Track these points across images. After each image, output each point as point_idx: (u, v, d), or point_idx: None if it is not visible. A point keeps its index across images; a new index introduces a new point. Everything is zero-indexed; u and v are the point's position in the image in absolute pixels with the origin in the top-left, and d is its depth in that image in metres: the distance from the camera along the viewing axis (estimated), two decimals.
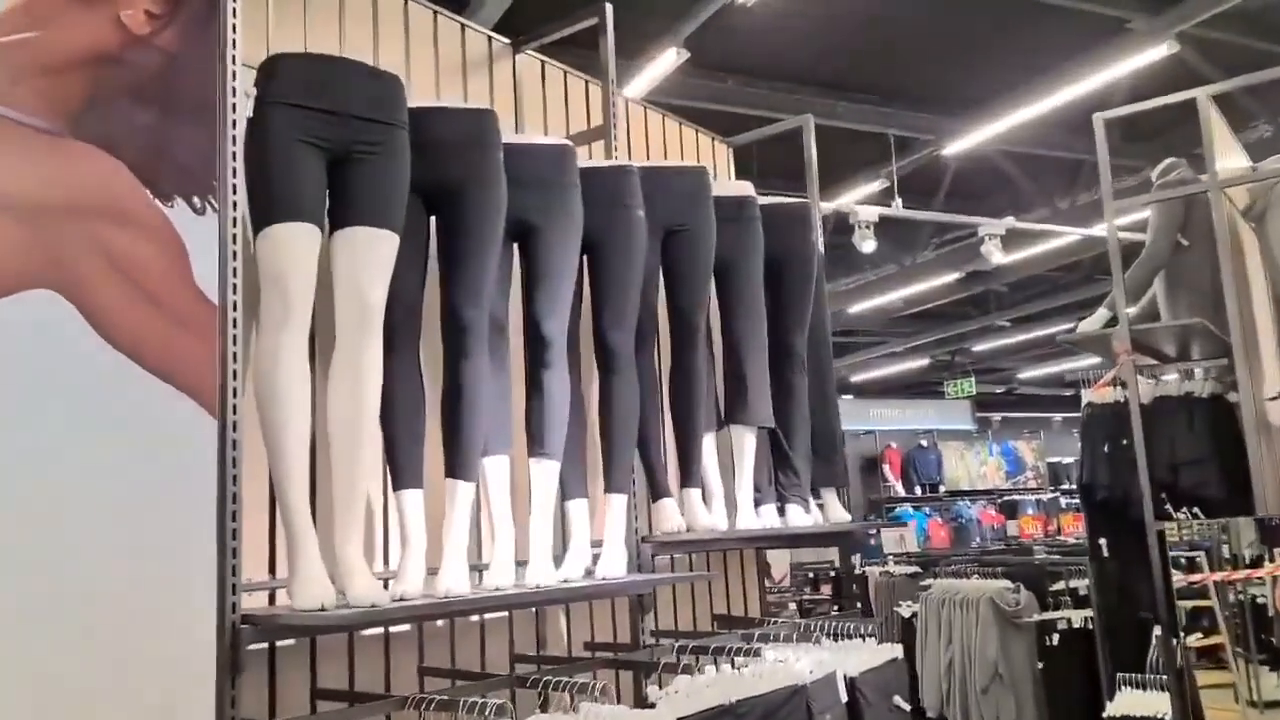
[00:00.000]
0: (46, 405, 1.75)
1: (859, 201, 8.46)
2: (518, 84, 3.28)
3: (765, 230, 3.38)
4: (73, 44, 1.91)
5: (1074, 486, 12.92)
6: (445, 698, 1.99)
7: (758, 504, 3.31)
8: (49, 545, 1.71)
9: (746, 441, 3.23)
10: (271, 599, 2.25)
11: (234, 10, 2.04)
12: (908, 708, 3.11)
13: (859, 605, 5.19)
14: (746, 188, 3.45)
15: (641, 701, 2.63)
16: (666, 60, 5.97)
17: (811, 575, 9.66)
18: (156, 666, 1.77)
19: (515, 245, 2.60)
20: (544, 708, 2.35)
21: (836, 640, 3.20)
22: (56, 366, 1.78)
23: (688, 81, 6.50)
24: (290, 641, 2.27)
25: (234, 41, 2.02)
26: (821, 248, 3.92)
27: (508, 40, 3.27)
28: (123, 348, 1.84)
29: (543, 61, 3.40)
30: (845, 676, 2.86)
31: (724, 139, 4.28)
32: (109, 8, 1.94)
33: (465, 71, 3.11)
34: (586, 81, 3.52)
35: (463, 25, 3.13)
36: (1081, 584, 4.78)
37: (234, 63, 2.02)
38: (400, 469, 2.24)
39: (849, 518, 3.64)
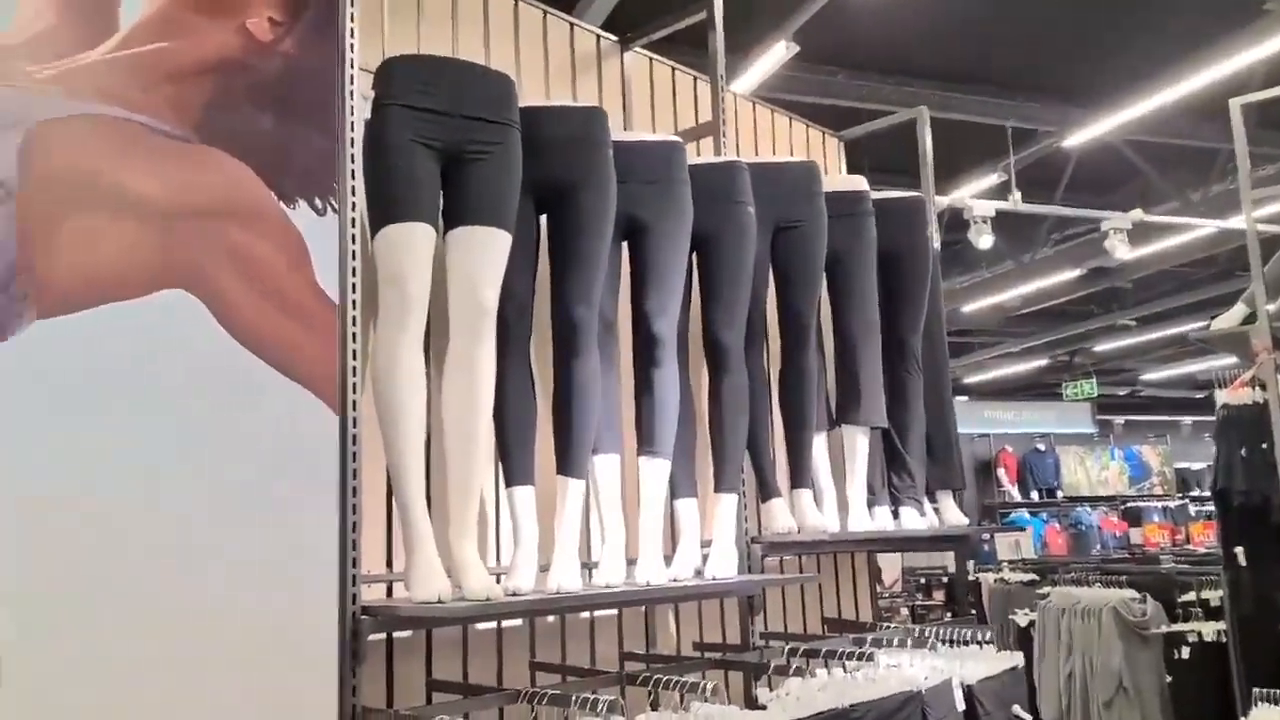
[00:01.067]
0: (179, 399, 1.83)
1: (975, 196, 8.24)
2: (626, 82, 3.29)
3: (879, 226, 3.32)
4: (200, 52, 1.98)
5: (1206, 493, 12.35)
6: (558, 693, 2.01)
7: (871, 506, 3.25)
8: (179, 536, 1.79)
9: (859, 442, 3.18)
10: (389, 592, 2.30)
11: (351, 15, 2.10)
12: (1029, 718, 3.02)
13: (973, 612, 5.06)
14: (859, 182, 3.40)
15: (751, 703, 2.61)
16: (775, 54, 5.91)
17: (923, 580, 9.46)
18: (280, 656, 1.83)
19: (625, 243, 2.61)
20: (654, 706, 2.35)
21: (952, 646, 3.12)
22: (188, 362, 1.85)
23: (797, 76, 6.43)
24: (407, 634, 2.33)
25: (352, 46, 2.08)
26: (937, 244, 3.83)
27: (616, 38, 3.29)
28: (249, 344, 1.91)
29: (650, 59, 3.40)
30: (962, 684, 2.79)
31: (835, 133, 4.22)
32: (234, 17, 2.01)
33: (574, 70, 3.13)
34: (695, 78, 3.52)
35: (571, 25, 3.16)
36: (1214, 595, 4.56)
37: (352, 66, 2.07)
38: (512, 466, 2.27)
39: (966, 521, 3.55)
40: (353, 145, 2.05)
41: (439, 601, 1.91)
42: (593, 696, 1.93)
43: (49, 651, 1.67)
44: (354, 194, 2.04)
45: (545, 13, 3.06)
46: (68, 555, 1.73)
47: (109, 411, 1.80)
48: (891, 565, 9.07)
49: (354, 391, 1.97)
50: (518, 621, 2.59)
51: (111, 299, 1.84)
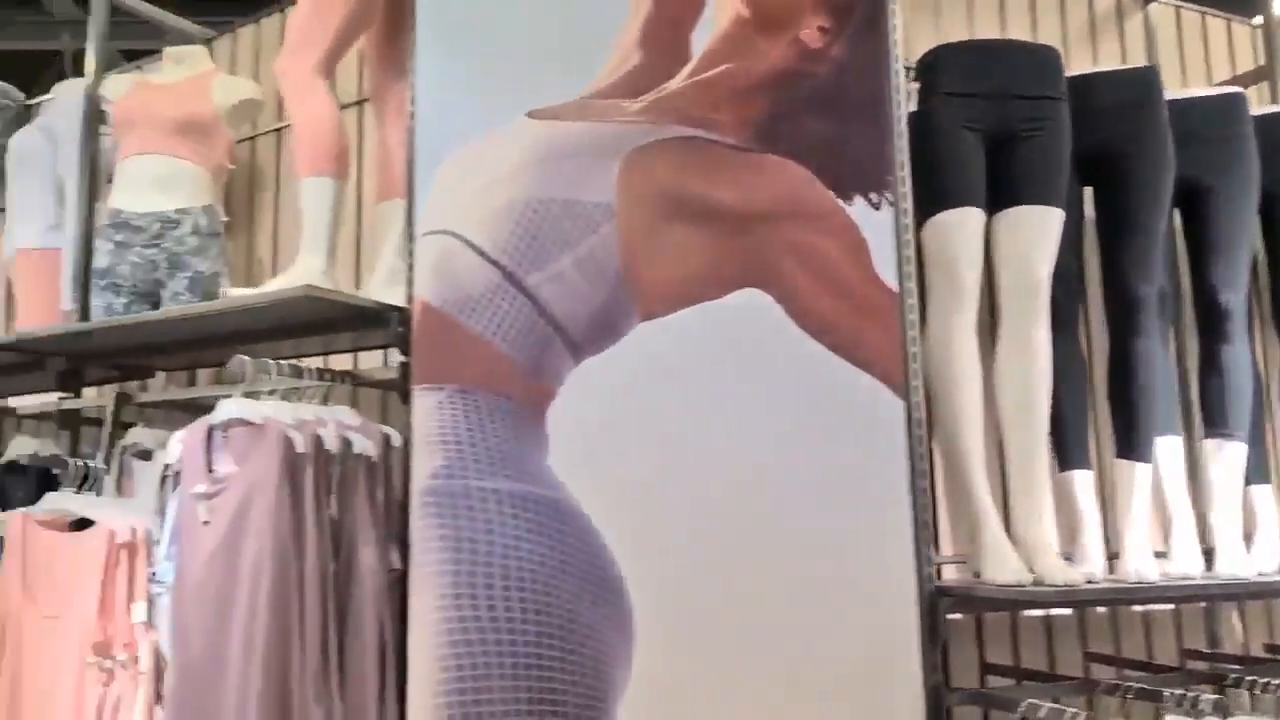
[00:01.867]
0: (763, 389, 2.00)
1: None
2: (1150, 36, 3.04)
3: None
4: (760, 68, 2.14)
5: None
6: (1146, 687, 1.91)
7: None
8: (765, 522, 1.95)
9: None
10: (937, 574, 2.33)
11: (893, 11, 2.15)
12: None
13: None
14: None
15: None
16: None
17: None
18: (859, 634, 1.93)
19: (1176, 210, 2.42)
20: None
21: None
22: (768, 355, 2.02)
23: None
24: (957, 616, 2.35)
25: (895, 42, 2.13)
26: None
27: None
28: (819, 336, 2.03)
29: (1178, 7, 3.12)
30: None
31: None
32: (789, 30, 2.15)
33: (1094, 32, 2.96)
34: (1229, 21, 3.17)
35: None
36: None
37: (897, 62, 2.13)
38: (1069, 449, 2.20)
39: None
40: (902, 139, 2.10)
41: (1019, 585, 1.90)
42: (1189, 694, 1.82)
43: (677, 613, 1.91)
44: (904, 185, 2.09)
45: None
46: (671, 539, 1.97)
47: (704, 401, 2.01)
48: None
49: (914, 377, 2.02)
50: (1067, 611, 2.50)
51: (698, 300, 2.05)
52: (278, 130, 2.99)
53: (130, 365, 2.91)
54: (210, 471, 2.00)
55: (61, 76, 4.98)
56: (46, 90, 3.43)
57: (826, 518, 1.95)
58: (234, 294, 2.16)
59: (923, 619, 1.91)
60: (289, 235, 2.92)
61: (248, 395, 2.21)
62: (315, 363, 2.27)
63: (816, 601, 1.93)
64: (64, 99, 3.10)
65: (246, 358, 1.99)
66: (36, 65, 5.50)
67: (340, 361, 2.66)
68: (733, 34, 2.14)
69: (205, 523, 1.96)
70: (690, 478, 2.00)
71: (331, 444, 1.99)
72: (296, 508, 1.91)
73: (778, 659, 1.91)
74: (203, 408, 2.78)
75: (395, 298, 2.29)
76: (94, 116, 2.88)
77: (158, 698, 2.27)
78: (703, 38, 2.15)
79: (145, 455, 2.59)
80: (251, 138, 3.00)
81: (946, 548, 2.33)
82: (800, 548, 1.94)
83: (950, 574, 2.24)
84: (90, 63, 2.92)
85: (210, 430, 2.03)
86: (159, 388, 3.00)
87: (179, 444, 2.10)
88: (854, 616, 1.93)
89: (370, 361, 2.64)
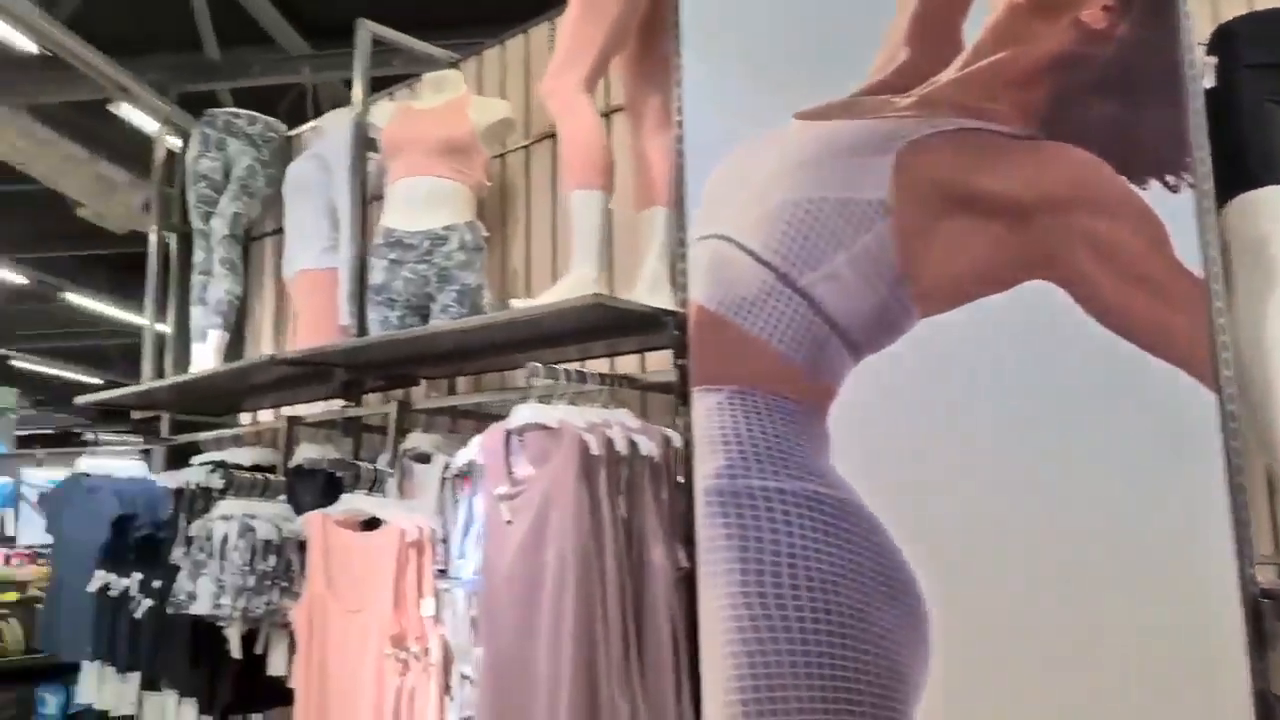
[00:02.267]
0: (1054, 384, 1.94)
1: None
2: None
3: None
4: (1038, 53, 2.08)
5: None
6: None
7: None
8: (1065, 524, 1.89)
9: None
10: None
11: None
12: None
13: None
14: None
15: None
16: None
17: None
18: (1178, 641, 1.84)
19: None
20: None
21: None
22: (1058, 349, 1.95)
23: None
24: None
25: (1187, 15, 2.03)
26: None
27: None
28: (1116, 328, 1.95)
29: None
30: None
31: None
32: (1068, 12, 2.08)
33: None
34: None
35: None
36: None
37: (1189, 36, 2.02)
38: None
39: None
40: (1199, 117, 1.99)
41: None
42: None
43: (979, 611, 1.87)
44: (1204, 166, 1.99)
45: None
46: (962, 542, 1.93)
47: (992, 398, 1.96)
48: None
49: (1225, 368, 1.91)
50: None
51: (982, 294, 2.01)
52: (526, 147, 3.12)
53: (399, 375, 3.09)
54: (510, 474, 2.10)
55: (298, 108, 5.36)
56: (287, 122, 3.71)
57: (1135, 519, 1.88)
58: (519, 304, 2.26)
59: (1248, 624, 1.81)
60: (540, 247, 3.04)
61: (525, 400, 2.32)
62: (577, 367, 2.35)
63: (1127, 607, 1.85)
64: (332, 128, 3.34)
65: (539, 364, 2.09)
66: (272, 98, 5.93)
67: (602, 365, 2.75)
68: (1007, 21, 2.09)
69: (508, 522, 2.06)
70: (980, 478, 1.96)
71: (621, 446, 2.06)
72: (594, 508, 1.98)
73: (1087, 667, 1.85)
74: (473, 414, 2.94)
75: (661, 302, 2.35)
76: (362, 143, 3.08)
77: (446, 688, 2.41)
78: (974, 29, 2.10)
79: (423, 459, 2.76)
80: (501, 155, 3.13)
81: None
82: (1107, 551, 1.87)
83: (1266, 575, 2.10)
84: (357, 93, 3.12)
85: (508, 435, 2.13)
86: (420, 395, 3.17)
87: (476, 448, 2.21)
88: (1171, 622, 1.84)
89: (630, 365, 2.71)
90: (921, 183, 2.07)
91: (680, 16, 2.33)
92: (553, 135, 3.04)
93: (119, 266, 10.34)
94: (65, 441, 18.30)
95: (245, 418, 3.94)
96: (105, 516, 3.15)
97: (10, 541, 11.94)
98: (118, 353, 14.26)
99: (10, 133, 6.34)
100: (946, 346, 2.01)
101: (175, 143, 4.14)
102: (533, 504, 2.02)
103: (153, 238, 3.90)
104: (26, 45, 4.43)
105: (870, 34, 2.18)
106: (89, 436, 3.55)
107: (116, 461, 3.37)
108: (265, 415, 3.89)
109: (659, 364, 2.62)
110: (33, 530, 12.98)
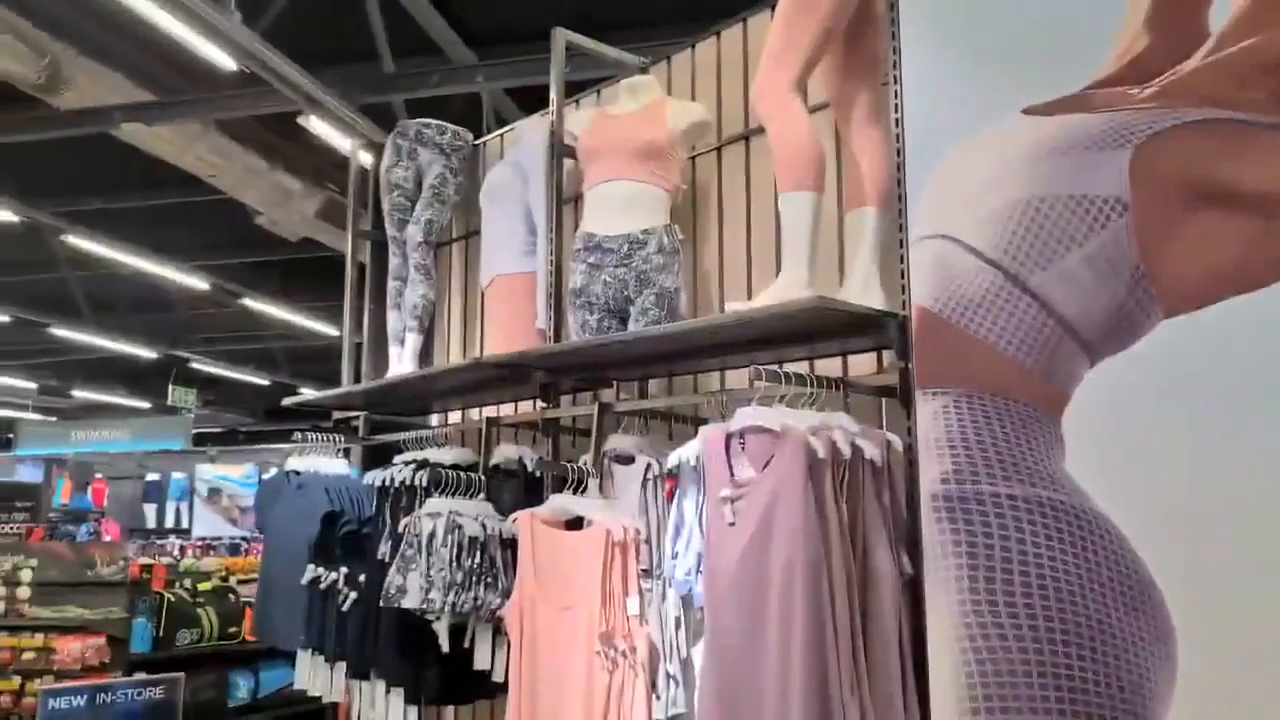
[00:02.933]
0: None
1: None
2: None
3: None
4: None
5: None
6: None
7: None
8: None
9: None
10: None
11: None
12: None
13: None
14: None
15: None
16: None
17: None
18: None
19: None
20: None
21: None
22: None
23: None
24: None
25: None
26: None
27: None
28: None
29: None
30: None
31: None
32: None
33: None
34: None
35: None
36: None
37: None
38: None
39: None
40: None
41: None
42: None
43: (1229, 633, 1.79)
44: None
45: None
46: (1211, 554, 1.85)
47: (1244, 404, 1.87)
48: None
49: None
50: None
51: (1231, 293, 1.92)
52: (717, 149, 3.14)
53: (594, 378, 3.16)
54: (732, 476, 2.12)
55: (467, 116, 5.52)
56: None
57: None
58: (736, 308, 2.28)
59: None
60: (733, 249, 3.05)
61: (731, 401, 2.33)
62: (794, 369, 2.35)
63: None
64: (527, 134, 3.43)
65: (763, 367, 2.10)
66: (440, 107, 6.13)
67: (800, 369, 2.74)
68: (1259, 5, 1.99)
69: (731, 524, 2.08)
70: (1229, 485, 1.87)
71: (844, 449, 2.05)
72: (821, 511, 1.98)
73: None
74: (665, 415, 2.98)
75: (873, 303, 2.33)
76: (559, 149, 3.16)
77: (652, 686, 2.44)
78: (1221, 17, 2.01)
79: (626, 459, 2.80)
80: (692, 157, 3.16)
81: None
82: None
83: None
84: (553, 100, 3.20)
85: (729, 437, 2.15)
86: (610, 397, 3.22)
87: (692, 450, 2.24)
88: None
89: (831, 369, 2.69)
90: (1163, 177, 1.99)
91: (898, 12, 2.31)
92: (744, 137, 3.05)
93: (288, 272, 10.90)
94: (232, 440, 19.41)
95: (434, 418, 4.09)
96: (316, 512, 3.32)
97: (185, 534, 12.72)
98: (284, 355, 15.03)
99: (200, 147, 6.77)
100: (1192, 349, 1.93)
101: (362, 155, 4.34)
102: (758, 506, 2.03)
103: (350, 246, 4.09)
104: (227, 63, 4.70)
105: (1097, 25, 2.12)
106: (295, 436, 3.75)
107: (324, 460, 3.54)
108: (454, 415, 4.02)
109: (860, 368, 2.60)
110: (204, 523, 13.77)
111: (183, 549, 9.12)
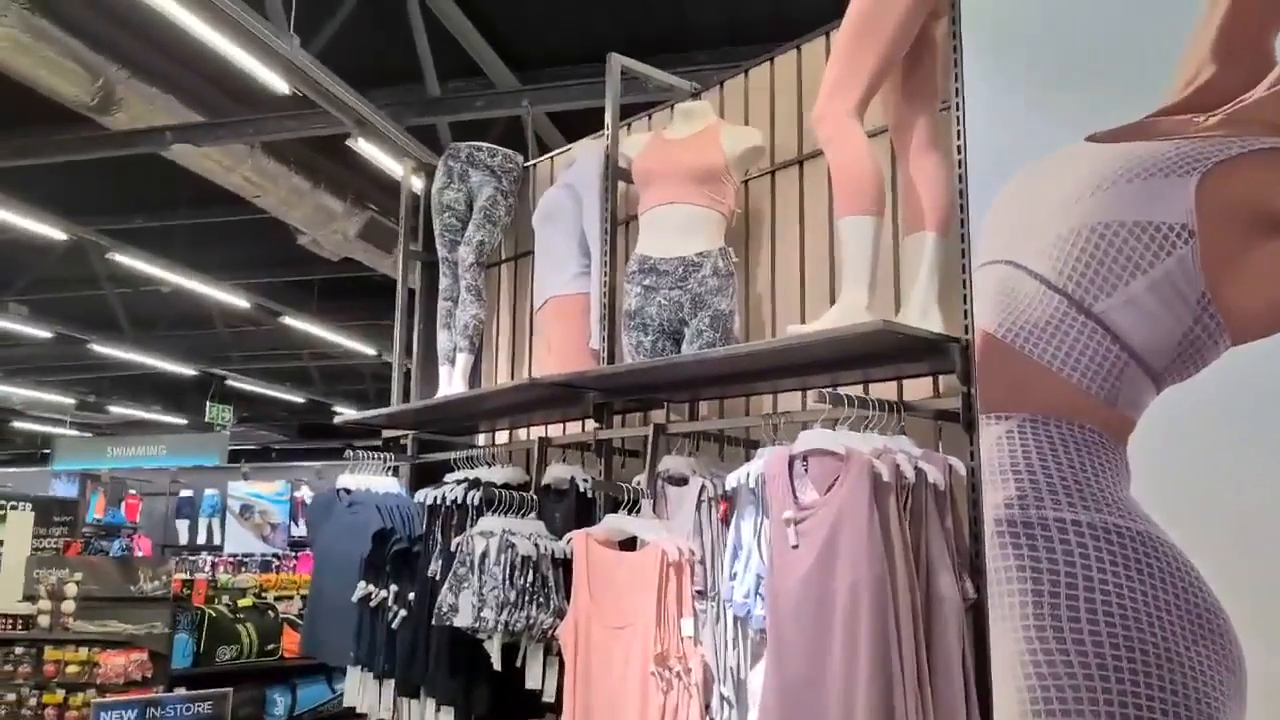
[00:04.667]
0: None
1: None
2: None
3: None
4: None
5: None
6: None
7: None
8: None
9: None
10: None
11: None
12: None
13: None
14: None
15: None
16: None
17: None
18: None
19: None
20: None
21: None
22: None
23: None
24: None
25: None
26: None
27: None
28: None
29: None
30: None
31: None
32: None
33: None
34: None
35: None
36: None
37: None
38: None
39: None
40: None
41: None
42: None
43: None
44: None
45: None
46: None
47: None
48: None
49: None
50: None
51: None
52: (771, 173, 3.17)
53: (644, 398, 3.19)
54: (795, 499, 2.14)
55: (508, 138, 5.60)
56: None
57: None
58: (796, 330, 2.30)
59: None
60: (785, 273, 3.08)
61: (783, 424, 2.35)
62: (858, 393, 2.37)
63: None
64: (582, 157, 3.48)
65: (827, 390, 2.12)
66: (483, 130, 6.22)
67: (854, 392, 2.76)
68: None
69: (794, 546, 2.10)
70: None
71: (908, 472, 2.06)
72: (885, 535, 1.99)
73: None
74: (721, 437, 3.00)
75: (933, 328, 2.35)
76: (615, 172, 3.20)
77: (705, 708, 2.45)
78: None
79: (679, 481, 2.83)
80: (745, 180, 3.19)
81: None
82: None
83: None
84: (608, 124, 3.25)
85: (792, 459, 2.17)
86: (660, 418, 3.25)
87: (752, 472, 2.26)
88: None
89: (884, 393, 2.71)
90: (1230, 205, 2.01)
91: (960, 39, 2.34)
92: (798, 161, 3.09)
93: (326, 292, 11.03)
94: (265, 457, 19.57)
95: (480, 437, 4.13)
96: (367, 530, 3.36)
97: (218, 550, 12.83)
98: (320, 373, 15.18)
99: (246, 167, 6.89)
100: (1261, 377, 1.94)
101: (398, 170, 4.40)
102: (822, 529, 2.04)
103: (400, 268, 4.15)
104: (280, 86, 4.79)
105: (1162, 52, 2.14)
106: (348, 454, 3.79)
107: (375, 478, 3.58)
108: (501, 435, 4.06)
109: (915, 392, 2.62)
110: (236, 540, 13.87)
111: (215, 565, 9.22)
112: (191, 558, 10.29)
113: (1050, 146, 2.20)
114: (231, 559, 9.81)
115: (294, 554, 10.25)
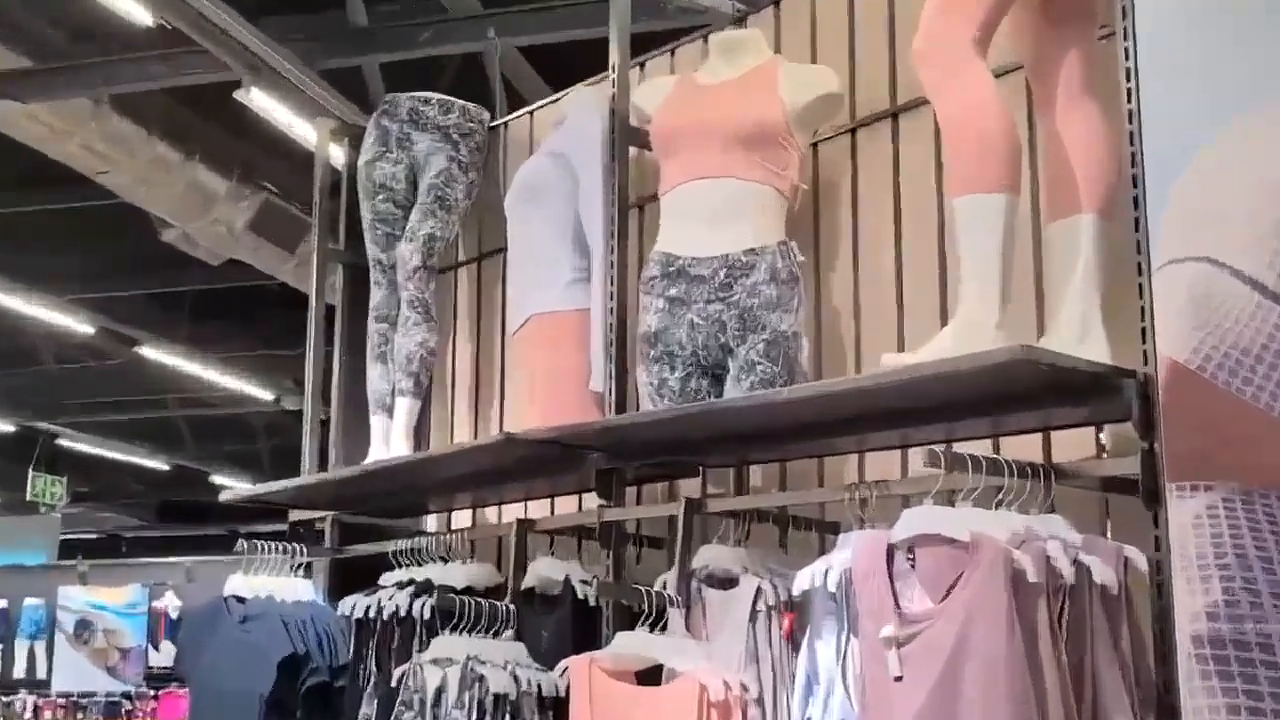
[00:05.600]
0: None
1: None
2: None
3: None
4: None
5: None
6: None
7: None
8: None
9: None
10: None
11: None
12: None
13: None
14: None
15: None
16: None
17: None
18: None
19: None
20: None
21: None
22: None
23: None
24: None
25: None
26: None
27: None
28: None
29: None
30: None
31: None
32: None
33: None
34: None
35: None
36: None
37: None
38: None
39: None
40: None
41: None
42: None
43: None
44: None
45: None
46: None
47: None
48: None
49: None
50: None
51: None
52: (851, 130, 3.17)
53: (671, 463, 3.18)
54: (898, 608, 2.12)
55: (468, 86, 5.62)
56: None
57: None
58: (893, 361, 2.30)
59: None
60: (874, 275, 3.07)
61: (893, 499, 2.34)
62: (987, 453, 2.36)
63: None
64: (575, 113, 3.48)
65: (946, 448, 2.11)
66: (427, 73, 6.25)
67: (980, 447, 2.75)
68: None
69: (898, 678, 2.08)
70: None
71: (1065, 569, 2.05)
72: (1033, 661, 1.98)
73: None
74: (783, 518, 2.99)
75: (1098, 356, 2.33)
76: (624, 134, 3.20)
77: None
78: None
79: (721, 581, 2.81)
80: (814, 144, 3.20)
81: None
82: None
83: None
84: (613, 64, 3.25)
85: (891, 550, 2.16)
86: (693, 488, 3.24)
87: (831, 569, 2.25)
88: None
89: (1024, 450, 2.69)
90: None
91: None
92: (892, 114, 3.09)
93: (202, 310, 11.06)
94: (112, 550, 19.57)
95: (431, 520, 4.12)
96: (268, 656, 3.34)
97: (43, 687, 12.74)
98: (192, 428, 15.18)
99: (88, 131, 6.88)
100: None
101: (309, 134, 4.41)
102: (940, 652, 2.03)
103: (314, 274, 4.15)
104: (140, 15, 4.84)
105: None
106: (239, 546, 3.66)
107: (278, 581, 3.57)
108: (461, 516, 4.05)
109: (1070, 449, 2.60)
110: (69, 672, 13.80)
111: (39, 708, 9.13)
112: (5, 698, 10.24)
113: (1258, 107, 2.19)
114: (64, 700, 9.76)
115: (154, 692, 10.18)
